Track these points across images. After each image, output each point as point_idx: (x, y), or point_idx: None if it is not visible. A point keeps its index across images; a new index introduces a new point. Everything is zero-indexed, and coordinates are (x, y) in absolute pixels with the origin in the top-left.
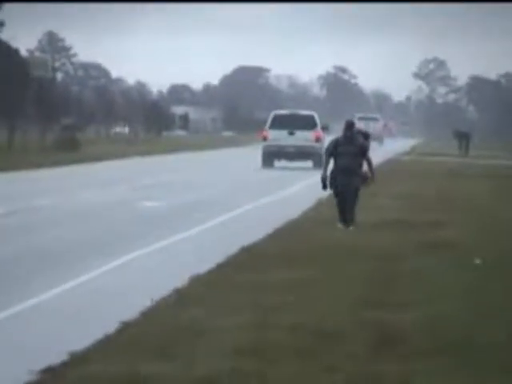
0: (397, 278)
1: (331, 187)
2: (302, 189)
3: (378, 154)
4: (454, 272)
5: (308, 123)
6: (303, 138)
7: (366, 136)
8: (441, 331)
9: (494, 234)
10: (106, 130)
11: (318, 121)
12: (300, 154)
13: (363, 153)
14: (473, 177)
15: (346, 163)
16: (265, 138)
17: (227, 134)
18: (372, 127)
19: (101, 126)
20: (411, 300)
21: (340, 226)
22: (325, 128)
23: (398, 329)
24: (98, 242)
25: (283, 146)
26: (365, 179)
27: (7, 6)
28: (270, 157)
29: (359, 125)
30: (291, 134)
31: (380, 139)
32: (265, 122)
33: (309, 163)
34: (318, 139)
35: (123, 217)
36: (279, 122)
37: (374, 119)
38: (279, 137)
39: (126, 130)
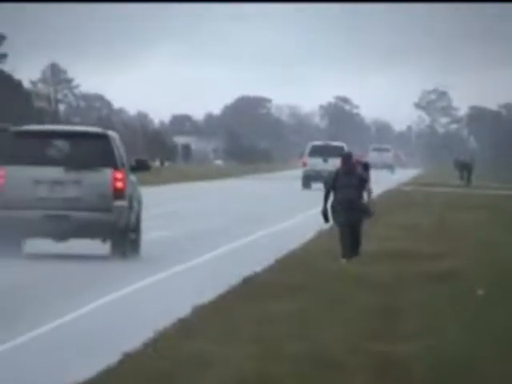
0: (399, 309)
1: (334, 220)
2: (303, 220)
3: (386, 183)
4: (457, 303)
5: (339, 152)
6: (335, 164)
7: (366, 166)
8: (443, 363)
9: (495, 264)
10: None
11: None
12: None
13: (363, 184)
14: (475, 208)
15: (346, 196)
16: (304, 164)
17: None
18: (385, 157)
19: None
20: (413, 331)
21: (343, 261)
22: None
23: (399, 360)
24: (101, 271)
25: (319, 170)
26: (367, 212)
27: (10, 38)
28: (309, 180)
29: (373, 155)
30: (325, 160)
31: (392, 168)
32: (267, 152)
33: None
34: None
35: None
36: (315, 151)
37: (386, 150)
38: (316, 163)
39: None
